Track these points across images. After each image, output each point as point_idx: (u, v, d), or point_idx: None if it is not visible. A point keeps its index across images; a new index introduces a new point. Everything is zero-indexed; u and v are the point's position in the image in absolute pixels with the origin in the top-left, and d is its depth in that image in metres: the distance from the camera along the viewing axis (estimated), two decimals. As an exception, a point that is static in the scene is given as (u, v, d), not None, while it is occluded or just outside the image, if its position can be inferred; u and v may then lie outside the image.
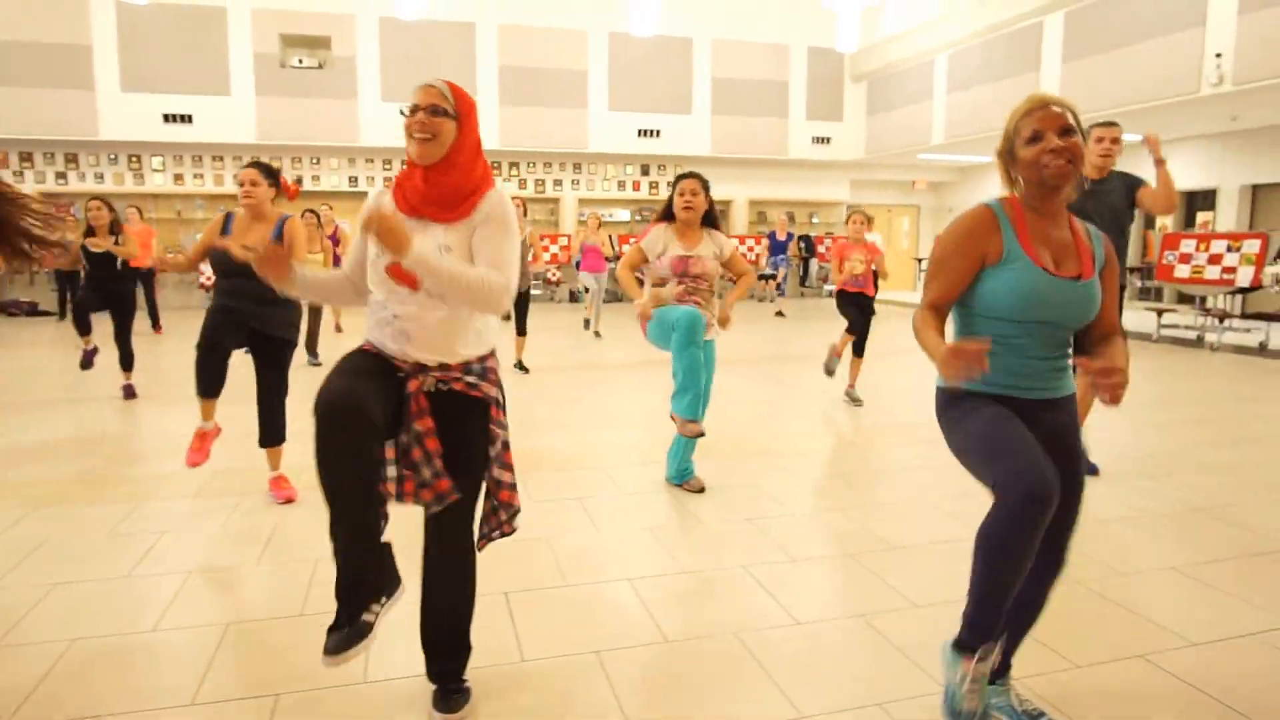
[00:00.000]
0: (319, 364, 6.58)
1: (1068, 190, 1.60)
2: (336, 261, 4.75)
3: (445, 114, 1.70)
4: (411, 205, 1.73)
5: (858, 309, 5.33)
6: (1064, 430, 1.66)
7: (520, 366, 6.44)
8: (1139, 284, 11.33)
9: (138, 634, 2.18)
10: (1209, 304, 8.13)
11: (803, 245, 13.61)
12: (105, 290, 5.38)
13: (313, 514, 2.85)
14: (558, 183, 13.43)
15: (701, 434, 3.31)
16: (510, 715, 1.85)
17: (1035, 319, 1.59)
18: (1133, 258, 11.95)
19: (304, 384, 5.96)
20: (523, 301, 6.42)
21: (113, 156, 11.89)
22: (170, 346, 8.14)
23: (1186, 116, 9.25)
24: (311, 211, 7.06)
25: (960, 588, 1.65)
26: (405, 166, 1.79)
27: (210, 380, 3.19)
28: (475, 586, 1.88)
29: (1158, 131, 3.60)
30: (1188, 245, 8.05)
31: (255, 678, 1.99)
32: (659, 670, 2.04)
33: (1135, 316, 9.71)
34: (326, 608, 1.70)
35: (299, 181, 12.67)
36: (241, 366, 3.34)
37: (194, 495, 3.33)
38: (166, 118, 11.33)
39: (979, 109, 10.83)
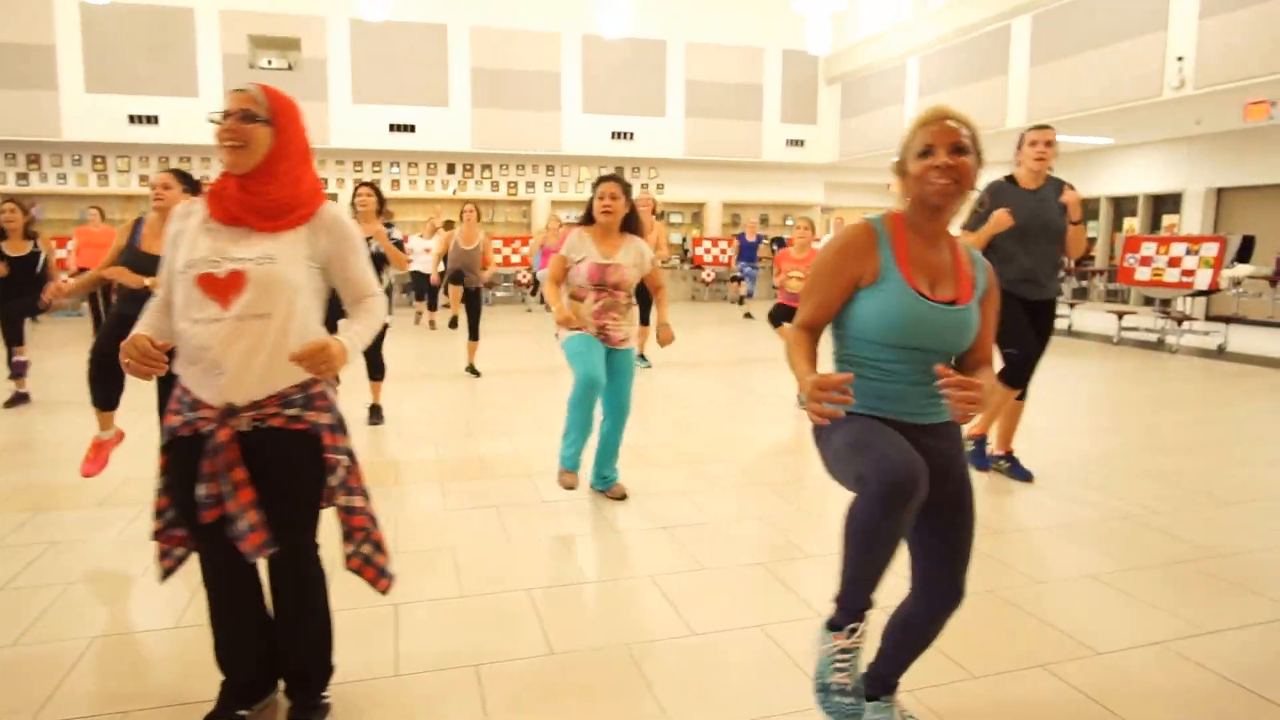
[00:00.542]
0: None
1: (954, 211, 1.53)
2: None
3: (258, 120, 1.59)
4: (230, 213, 1.60)
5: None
6: (947, 457, 1.57)
7: (471, 370, 6.37)
8: (1103, 287, 11.37)
9: (-2, 649, 2.09)
10: (1170, 307, 8.13)
11: (775, 247, 13.59)
12: (21, 293, 5.06)
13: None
14: (530, 185, 13.35)
15: (572, 487, 3.30)
16: (367, 734, 1.77)
17: (906, 344, 1.51)
18: (1101, 260, 11.99)
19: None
20: (473, 303, 6.36)
21: (76, 157, 11.71)
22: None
23: (1150, 120, 9.28)
24: None
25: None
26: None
27: (106, 391, 3.08)
28: (325, 615, 1.77)
29: (1078, 195, 3.49)
30: (1148, 248, 8.06)
31: (107, 694, 1.89)
32: (536, 683, 1.96)
33: (1098, 319, 9.73)
34: (202, 620, 1.76)
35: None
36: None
37: (97, 504, 3.22)
38: (132, 119, 11.18)
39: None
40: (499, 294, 12.87)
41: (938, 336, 1.51)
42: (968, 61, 10.52)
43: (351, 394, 5.25)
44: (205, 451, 1.55)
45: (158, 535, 1.72)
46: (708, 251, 13.47)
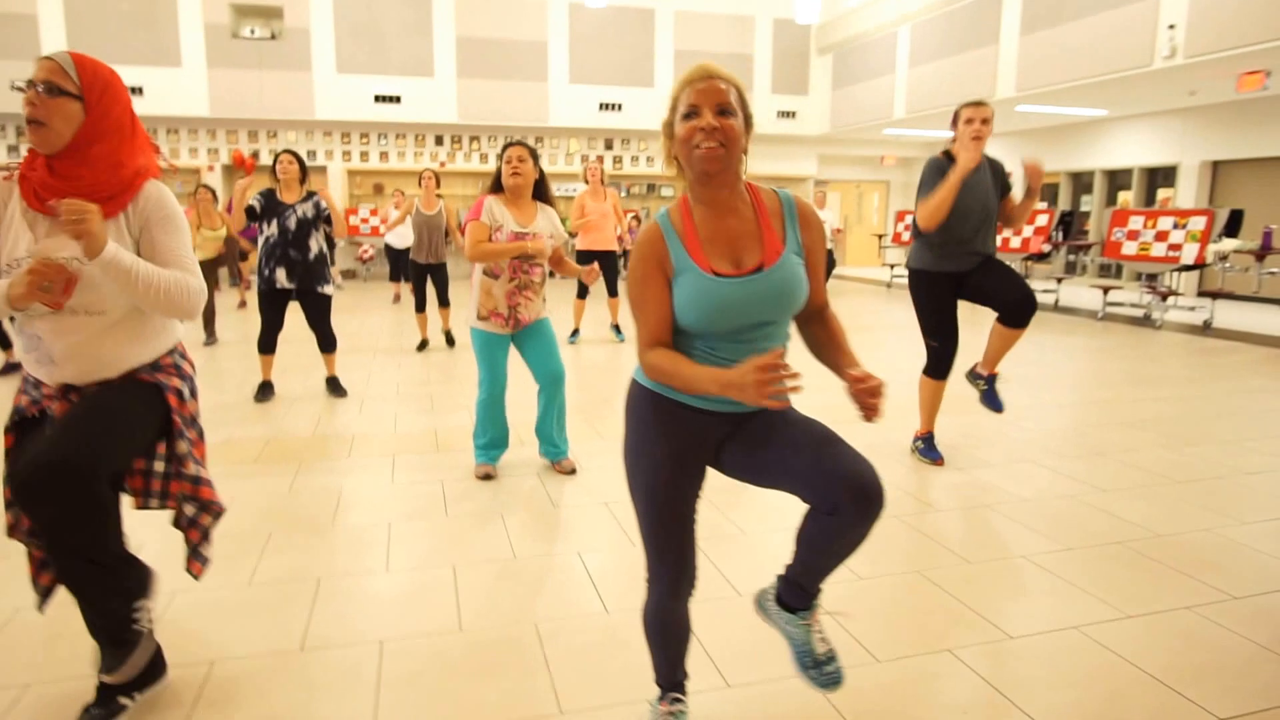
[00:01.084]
0: (214, 343, 6.46)
1: (730, 176, 1.40)
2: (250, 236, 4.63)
3: (64, 93, 1.47)
4: (40, 200, 1.48)
5: None
6: (770, 419, 1.49)
7: (448, 338, 6.44)
8: (1097, 261, 11.25)
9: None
10: (1156, 282, 8.04)
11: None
12: None
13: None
14: (519, 157, 13.18)
15: (488, 477, 3.29)
16: (247, 715, 1.77)
17: (726, 327, 1.41)
18: (1095, 234, 11.85)
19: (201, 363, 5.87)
20: (440, 274, 6.38)
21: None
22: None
23: (1143, 90, 9.08)
24: (206, 187, 6.89)
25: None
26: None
27: None
28: (119, 608, 1.63)
29: (1040, 161, 3.34)
30: (1136, 222, 7.94)
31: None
32: (436, 660, 1.96)
33: (1086, 294, 9.64)
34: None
35: (255, 155, 12.47)
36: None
37: None
38: (112, 89, 11.04)
39: (940, 83, 10.64)
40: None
41: (758, 309, 1.40)
42: (958, 30, 10.30)
43: (314, 372, 5.24)
44: (47, 427, 1.51)
45: (12, 531, 1.61)
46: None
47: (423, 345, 6.38)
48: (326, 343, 4.72)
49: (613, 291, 6.84)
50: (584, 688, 1.86)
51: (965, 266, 3.42)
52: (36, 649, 1.99)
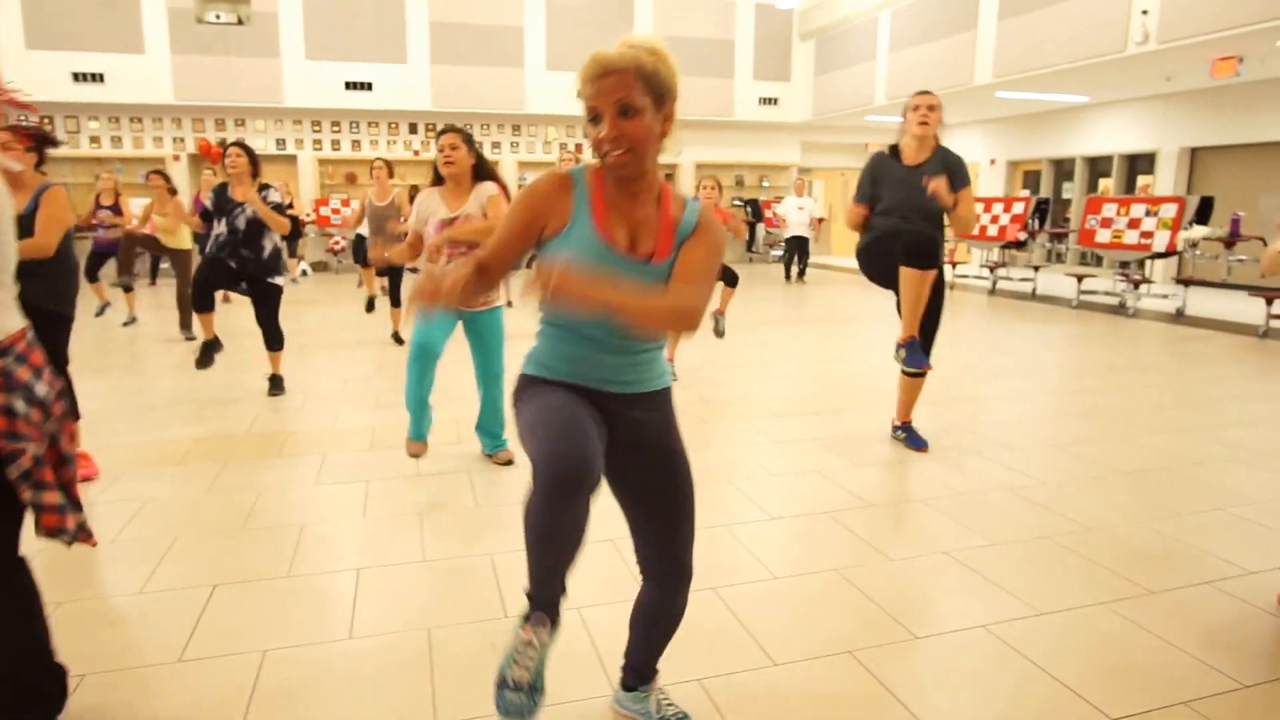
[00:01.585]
0: (192, 339, 6.35)
1: (648, 170, 1.35)
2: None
3: None
4: None
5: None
6: (654, 429, 1.46)
7: (396, 337, 6.31)
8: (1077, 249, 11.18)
9: None
10: (1129, 269, 7.98)
11: (749, 209, 13.34)
12: None
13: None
14: (496, 145, 13.04)
15: (417, 455, 3.22)
16: (119, 726, 1.70)
17: None
18: (1075, 222, 11.78)
19: (173, 359, 5.72)
20: (394, 271, 6.27)
21: (23, 117, 11.37)
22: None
23: (1120, 76, 8.99)
24: (157, 172, 6.70)
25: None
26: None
27: None
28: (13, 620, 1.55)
29: (942, 187, 3.21)
30: (1109, 209, 7.87)
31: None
32: (314, 671, 1.89)
33: (1065, 282, 9.58)
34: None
35: (223, 145, 12.28)
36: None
37: None
38: (76, 77, 10.84)
39: (920, 69, 10.52)
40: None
41: None
42: (937, 16, 10.17)
43: (262, 369, 5.15)
44: None
45: None
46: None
47: (370, 305, 6.97)
48: (273, 340, 4.60)
49: None
50: (466, 697, 1.79)
51: (896, 226, 3.36)
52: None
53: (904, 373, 3.57)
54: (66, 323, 3.15)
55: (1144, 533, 2.71)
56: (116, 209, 7.03)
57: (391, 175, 6.36)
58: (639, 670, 1.66)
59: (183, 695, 1.80)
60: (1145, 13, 7.55)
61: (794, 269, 11.58)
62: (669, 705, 1.67)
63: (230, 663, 1.92)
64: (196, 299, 4.47)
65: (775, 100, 13.38)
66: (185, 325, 6.43)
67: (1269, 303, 6.56)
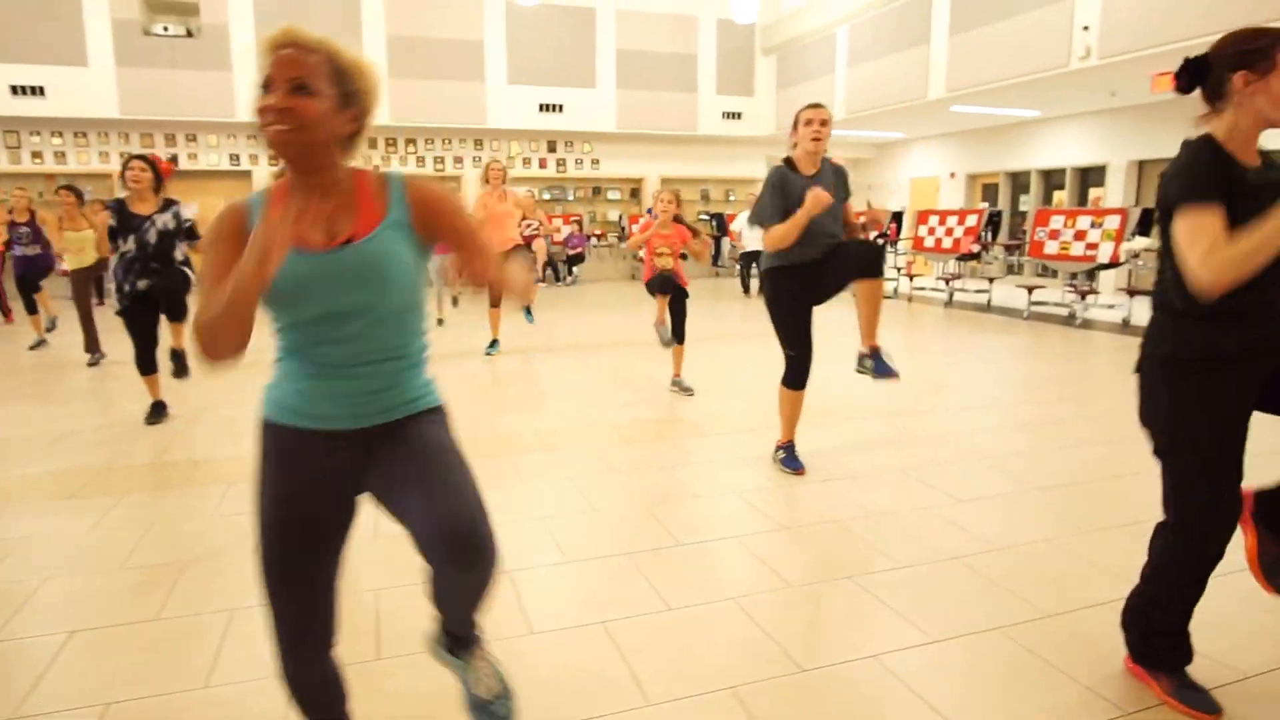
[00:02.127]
0: (100, 359, 6.15)
1: (321, 158, 1.24)
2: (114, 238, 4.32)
3: None
4: None
5: (668, 293, 5.05)
6: (420, 459, 1.28)
7: None
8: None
9: None
10: (1078, 280, 8.06)
11: (714, 223, 13.37)
12: None
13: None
14: (458, 160, 12.96)
15: None
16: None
17: (316, 311, 1.23)
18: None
19: (78, 384, 5.51)
20: None
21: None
22: (23, 338, 7.63)
23: (1066, 91, 9.11)
24: (68, 188, 6.45)
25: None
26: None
27: None
28: None
29: (881, 214, 3.29)
30: (1057, 221, 7.95)
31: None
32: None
33: (1020, 294, 9.65)
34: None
35: (174, 160, 12.06)
36: None
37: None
38: (15, 90, 10.57)
39: (876, 84, 10.62)
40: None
41: (344, 291, 1.22)
42: (892, 31, 10.28)
43: (184, 394, 4.97)
44: None
45: None
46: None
47: None
48: (176, 311, 4.43)
49: (493, 304, 6.63)
50: None
51: (818, 254, 3.27)
52: None
53: (785, 389, 3.46)
54: None
55: (1053, 551, 2.67)
56: (32, 226, 6.81)
57: None
58: (459, 635, 1.51)
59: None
60: (1086, 28, 7.67)
61: (753, 283, 11.58)
62: (487, 680, 1.50)
63: (67, 718, 1.80)
64: (140, 361, 4.38)
65: (739, 115, 13.44)
66: (90, 348, 6.17)
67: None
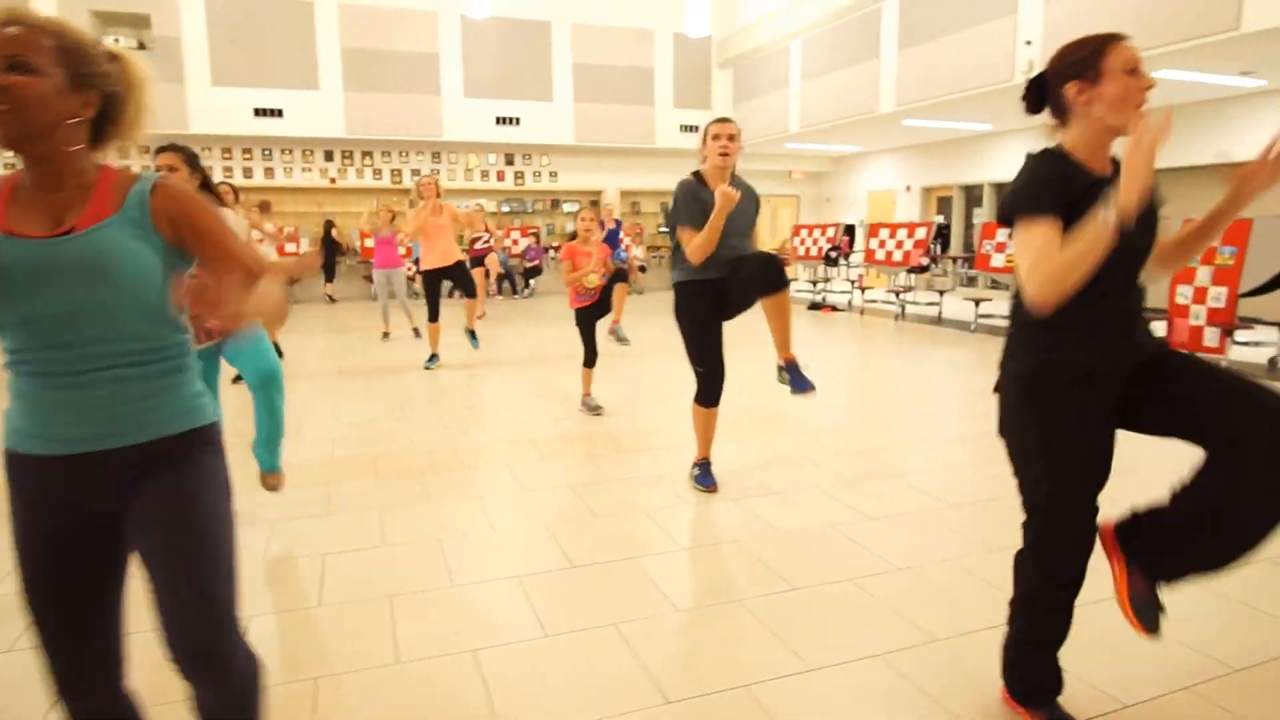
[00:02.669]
0: None
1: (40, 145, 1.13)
2: None
3: None
4: None
5: (600, 317, 4.96)
6: (165, 530, 1.18)
7: (238, 378, 6.02)
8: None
9: None
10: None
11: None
12: None
13: None
14: (415, 172, 12.82)
15: (275, 487, 3.08)
16: None
17: (26, 313, 1.11)
18: (988, 247, 12.05)
19: None
20: None
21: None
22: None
23: (1013, 105, 9.21)
24: None
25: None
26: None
27: None
28: None
29: (791, 249, 3.33)
30: (1002, 235, 8.01)
31: None
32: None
33: (964, 306, 9.72)
34: None
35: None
36: None
37: None
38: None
39: (829, 97, 10.70)
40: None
41: (63, 286, 1.10)
42: (843, 45, 10.38)
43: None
44: None
45: None
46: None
47: None
48: None
49: (470, 293, 6.50)
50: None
51: (724, 270, 3.22)
52: None
53: (698, 407, 3.39)
54: None
55: (952, 572, 2.60)
56: None
57: (238, 199, 6.13)
58: None
59: None
60: (1029, 43, 7.78)
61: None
62: None
63: None
64: None
65: (696, 127, 13.45)
66: None
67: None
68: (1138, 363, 1.63)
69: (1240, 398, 1.50)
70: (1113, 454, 1.63)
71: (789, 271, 3.22)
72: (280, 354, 6.05)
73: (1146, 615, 1.69)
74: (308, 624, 2.29)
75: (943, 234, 10.40)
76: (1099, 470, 1.63)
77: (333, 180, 12.53)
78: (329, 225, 11.92)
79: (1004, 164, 11.82)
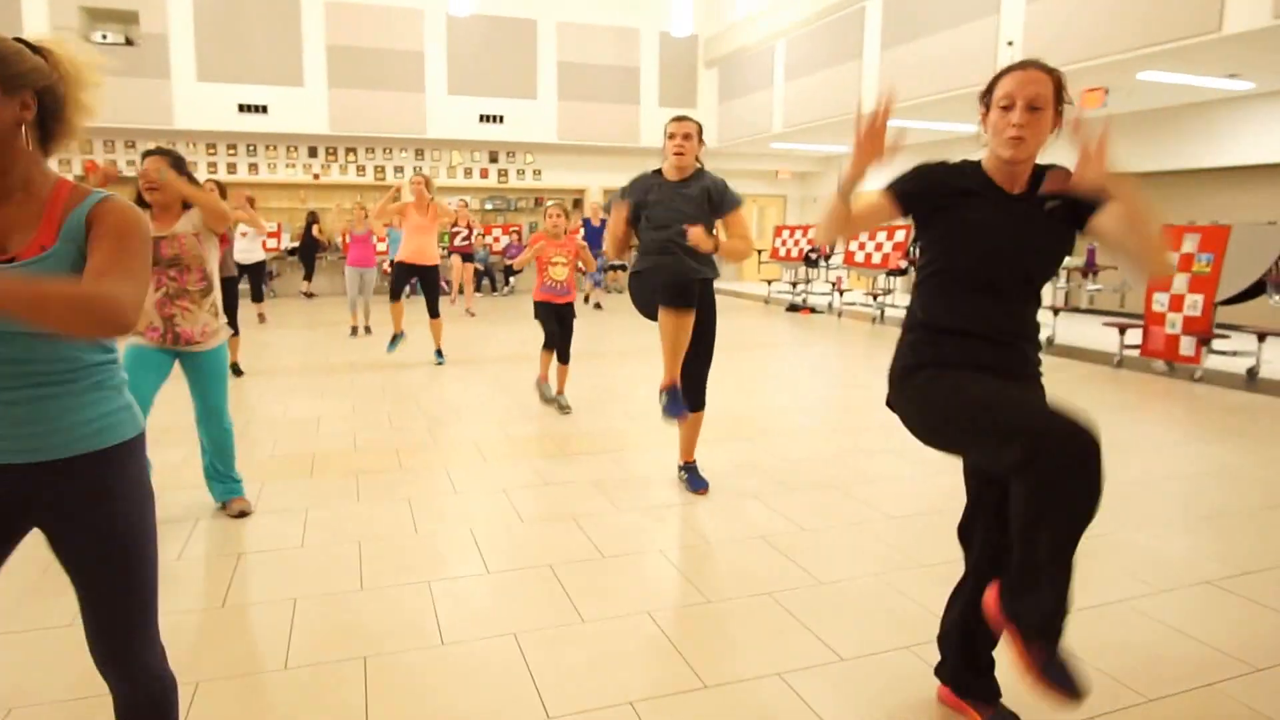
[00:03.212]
0: None
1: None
2: None
3: None
4: None
5: (558, 320, 4.92)
6: (84, 549, 1.21)
7: (234, 369, 5.95)
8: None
9: None
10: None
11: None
12: None
13: None
14: (399, 169, 12.76)
15: None
16: None
17: None
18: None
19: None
20: (230, 292, 5.96)
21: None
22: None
23: (997, 107, 9.15)
24: None
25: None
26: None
27: None
28: None
29: (698, 233, 3.10)
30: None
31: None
32: None
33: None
34: None
35: (113, 164, 11.75)
36: None
37: None
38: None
39: (813, 97, 10.62)
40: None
41: None
42: (827, 45, 10.30)
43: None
44: None
45: None
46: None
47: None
48: None
49: (434, 313, 6.47)
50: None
51: (666, 261, 3.16)
52: None
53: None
54: None
55: (875, 588, 2.53)
56: None
57: (225, 197, 6.08)
58: None
59: None
60: (1010, 44, 7.70)
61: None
62: None
63: None
64: None
65: (684, 127, 13.38)
66: None
67: (1121, 332, 6.61)
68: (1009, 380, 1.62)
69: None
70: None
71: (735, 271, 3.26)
72: (239, 372, 5.99)
73: (1060, 679, 1.44)
74: (202, 627, 2.22)
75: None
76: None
77: (316, 176, 12.47)
78: (311, 219, 11.85)
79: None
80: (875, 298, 9.47)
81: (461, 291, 10.50)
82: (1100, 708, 1.85)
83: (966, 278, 1.61)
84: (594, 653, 2.12)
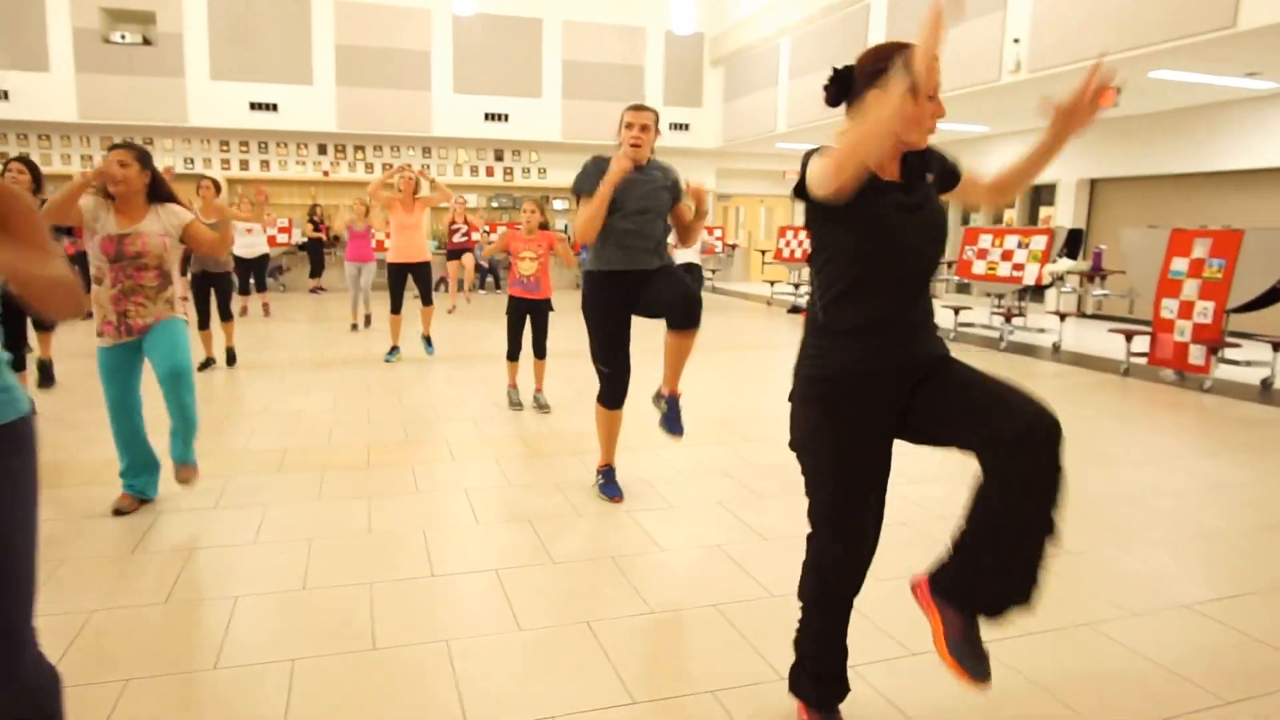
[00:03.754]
0: None
1: None
2: None
3: None
4: None
5: (530, 315, 4.88)
6: None
7: (229, 355, 6.08)
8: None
9: None
10: (1002, 302, 7.87)
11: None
12: None
13: None
14: (406, 167, 12.79)
15: (119, 512, 2.98)
16: None
17: None
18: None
19: None
20: (223, 287, 6.06)
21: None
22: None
23: (1006, 105, 8.96)
24: None
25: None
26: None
27: None
28: None
29: (703, 184, 3.16)
30: (985, 240, 7.77)
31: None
32: None
33: (944, 313, 9.47)
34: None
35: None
36: None
37: None
38: (-21, 94, 10.53)
39: (817, 96, 10.46)
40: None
41: None
42: (832, 42, 10.16)
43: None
44: None
45: None
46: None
47: (205, 364, 5.99)
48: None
49: (426, 300, 6.55)
50: None
51: (640, 264, 3.08)
52: None
53: (601, 408, 3.25)
54: None
55: (827, 596, 2.44)
56: None
57: (217, 194, 6.15)
58: None
59: None
60: (1016, 41, 7.53)
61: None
62: None
63: None
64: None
65: (686, 126, 13.29)
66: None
67: (1128, 339, 6.42)
68: (923, 372, 1.59)
69: (995, 403, 1.47)
70: (890, 462, 1.63)
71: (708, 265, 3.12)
72: (233, 361, 6.04)
73: (969, 662, 1.55)
74: (143, 623, 2.19)
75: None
76: (874, 474, 1.62)
77: (325, 173, 12.56)
78: (313, 215, 11.92)
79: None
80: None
81: (460, 288, 10.51)
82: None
83: (885, 277, 1.59)
84: (525, 663, 2.07)
